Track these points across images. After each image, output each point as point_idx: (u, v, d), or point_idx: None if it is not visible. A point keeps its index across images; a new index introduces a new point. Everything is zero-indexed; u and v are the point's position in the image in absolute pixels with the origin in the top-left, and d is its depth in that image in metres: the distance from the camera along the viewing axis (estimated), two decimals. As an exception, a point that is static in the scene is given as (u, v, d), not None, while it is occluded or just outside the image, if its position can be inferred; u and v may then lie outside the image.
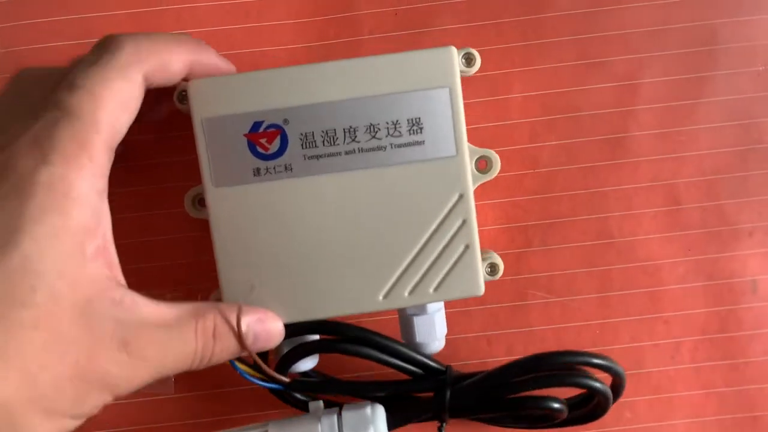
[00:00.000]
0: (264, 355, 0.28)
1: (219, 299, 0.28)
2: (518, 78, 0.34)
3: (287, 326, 0.28)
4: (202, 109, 0.27)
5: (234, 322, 0.26)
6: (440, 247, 0.27)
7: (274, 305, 0.27)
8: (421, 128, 0.27)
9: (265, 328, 0.27)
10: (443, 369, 0.29)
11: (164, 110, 0.32)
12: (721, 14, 0.34)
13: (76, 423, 0.23)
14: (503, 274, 0.30)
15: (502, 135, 0.34)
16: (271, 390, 0.30)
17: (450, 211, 0.27)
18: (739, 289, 0.34)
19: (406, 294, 0.27)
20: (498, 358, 0.34)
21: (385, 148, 0.27)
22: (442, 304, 0.29)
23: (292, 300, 0.27)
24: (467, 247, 0.27)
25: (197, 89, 0.27)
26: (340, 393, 0.30)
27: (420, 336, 0.29)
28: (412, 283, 0.27)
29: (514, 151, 0.34)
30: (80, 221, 0.22)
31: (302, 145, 0.27)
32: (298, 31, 0.34)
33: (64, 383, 0.22)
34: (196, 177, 0.28)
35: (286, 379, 0.29)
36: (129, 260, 0.26)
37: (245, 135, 0.27)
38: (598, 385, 0.28)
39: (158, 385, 0.32)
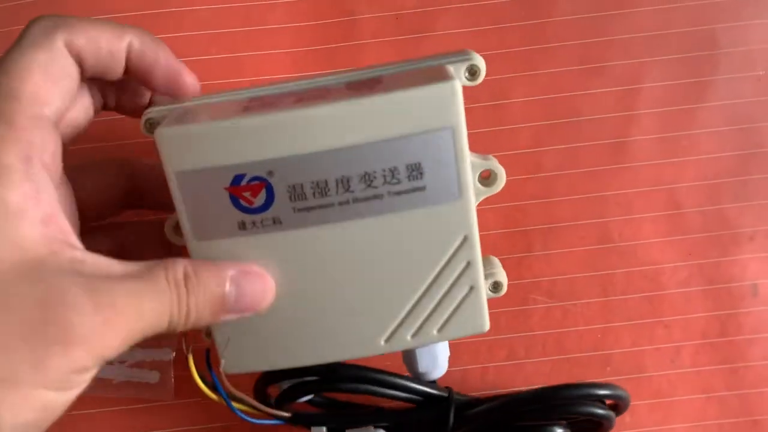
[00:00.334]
0: (263, 391, 0.27)
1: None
2: (520, 82, 0.34)
3: (285, 371, 0.27)
4: (174, 161, 0.23)
5: (208, 273, 0.23)
6: (444, 291, 0.25)
7: (273, 350, 0.25)
8: (421, 173, 0.23)
9: (250, 284, 0.24)
10: (445, 395, 0.29)
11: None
12: (721, 19, 0.34)
13: (60, 397, 0.21)
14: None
15: (503, 139, 0.34)
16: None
17: (454, 254, 0.24)
18: (740, 293, 0.33)
19: (409, 337, 0.25)
20: (499, 362, 0.33)
21: (383, 196, 0.24)
22: None
23: (290, 346, 0.25)
24: (472, 288, 0.25)
25: (167, 139, 0.23)
26: (342, 425, 0.29)
27: (422, 366, 0.28)
28: (415, 327, 0.25)
29: (515, 156, 0.34)
30: (11, 189, 0.21)
31: (290, 197, 0.23)
32: (300, 35, 0.34)
33: (16, 344, 0.20)
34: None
35: (286, 414, 0.28)
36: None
37: (226, 188, 0.23)
38: (602, 412, 0.28)
39: (158, 389, 0.32)
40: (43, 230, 0.21)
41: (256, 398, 0.28)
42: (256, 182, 0.23)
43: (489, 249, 0.33)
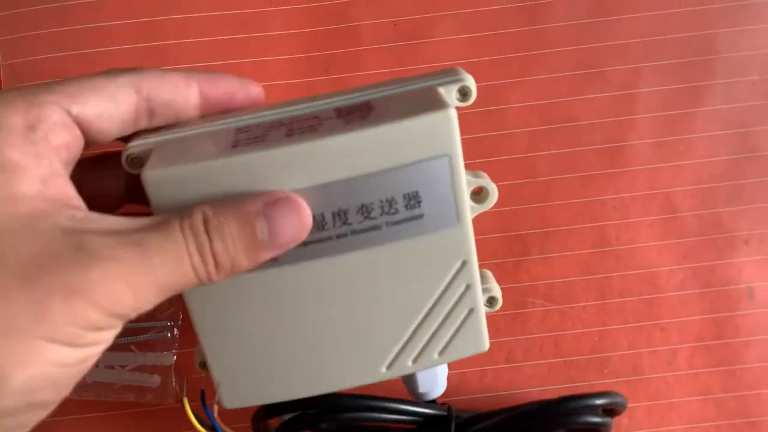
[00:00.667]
0: (263, 423, 0.27)
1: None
2: (516, 88, 0.34)
3: (285, 404, 0.26)
4: (164, 203, 0.22)
5: (231, 211, 0.21)
6: (443, 315, 0.24)
7: (273, 383, 0.25)
8: (419, 202, 0.23)
9: (282, 214, 0.22)
10: (445, 414, 0.29)
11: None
12: (717, 24, 0.34)
13: (72, 353, 0.20)
14: (502, 282, 0.30)
15: (500, 144, 0.34)
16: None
17: (453, 278, 0.24)
18: (736, 295, 0.33)
19: (410, 363, 0.25)
20: (498, 365, 0.33)
21: (380, 227, 0.23)
22: None
23: (290, 378, 0.25)
24: (471, 310, 0.24)
25: (155, 182, 0.22)
26: None
27: (423, 387, 0.28)
28: (416, 352, 0.25)
29: (512, 161, 0.34)
30: (11, 147, 0.20)
31: None
32: (299, 42, 0.34)
33: (15, 295, 0.19)
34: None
35: None
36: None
37: None
38: (600, 420, 0.28)
39: (159, 393, 0.32)
40: (42, 188, 0.20)
41: (256, 431, 0.28)
42: None
43: (486, 253, 0.34)
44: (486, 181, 0.25)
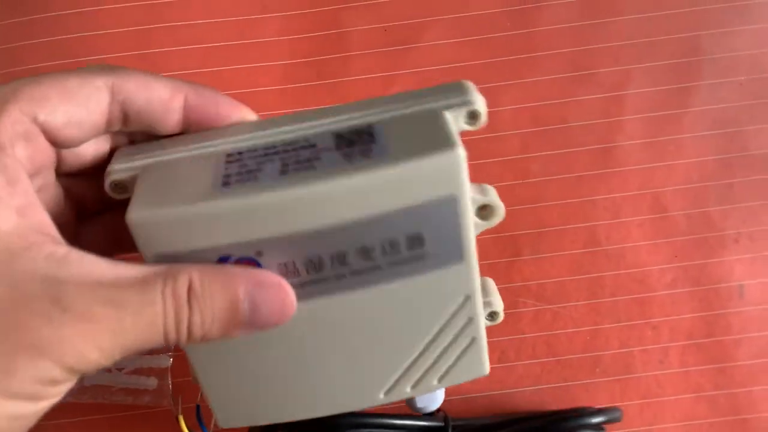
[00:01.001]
0: None
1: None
2: (508, 90, 0.34)
3: (286, 426, 0.26)
4: (152, 246, 0.21)
5: (218, 287, 0.20)
6: (443, 346, 0.23)
7: (270, 404, 0.24)
8: (422, 243, 0.21)
9: (267, 296, 0.21)
10: (441, 425, 0.29)
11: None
12: (704, 26, 0.34)
13: (30, 407, 0.19)
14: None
15: (492, 146, 0.34)
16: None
17: (455, 313, 0.23)
18: (726, 294, 0.34)
19: (409, 389, 0.24)
20: (491, 365, 0.33)
21: (381, 267, 0.22)
22: None
23: (288, 400, 0.24)
24: (473, 340, 0.23)
25: (141, 225, 0.20)
26: None
27: (421, 403, 0.28)
28: (415, 379, 0.24)
29: (504, 162, 0.34)
30: None
31: (282, 274, 0.21)
32: (292, 48, 0.34)
33: None
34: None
35: None
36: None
37: None
38: None
39: (156, 396, 0.32)
40: (19, 220, 0.19)
41: None
42: (244, 261, 0.21)
43: (479, 254, 0.33)
44: (492, 199, 0.23)
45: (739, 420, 0.33)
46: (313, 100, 0.34)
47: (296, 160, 0.21)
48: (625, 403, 0.33)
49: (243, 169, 0.21)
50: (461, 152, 0.20)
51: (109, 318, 0.19)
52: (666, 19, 0.34)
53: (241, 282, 0.20)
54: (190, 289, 0.20)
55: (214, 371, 0.23)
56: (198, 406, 0.27)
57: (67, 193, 0.23)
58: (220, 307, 0.20)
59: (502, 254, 0.34)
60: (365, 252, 0.21)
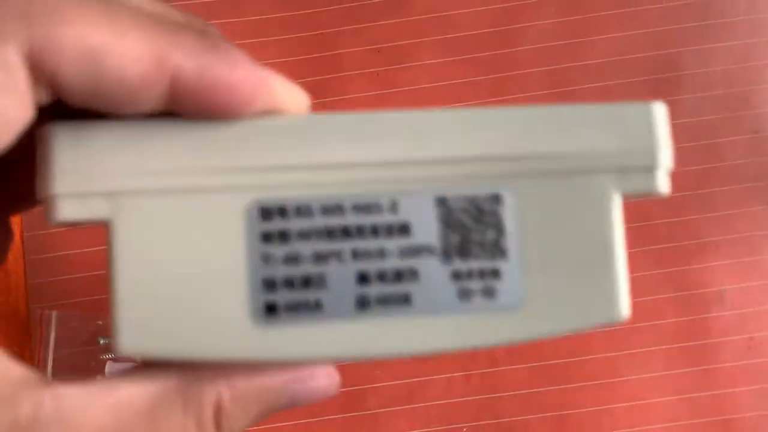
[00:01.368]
0: None
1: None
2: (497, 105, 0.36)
3: None
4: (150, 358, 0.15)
5: (253, 396, 0.15)
6: None
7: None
8: None
9: (308, 387, 0.15)
10: None
11: None
12: (682, 43, 0.36)
13: None
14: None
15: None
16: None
17: None
18: (707, 298, 0.35)
19: None
20: (482, 369, 0.35)
21: None
22: None
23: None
24: None
25: (137, 352, 0.14)
26: None
27: None
28: None
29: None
30: None
31: None
32: (290, 69, 0.36)
33: None
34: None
35: None
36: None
37: None
38: None
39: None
40: None
41: None
42: None
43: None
44: None
45: (721, 420, 0.34)
46: (309, 119, 0.35)
47: (380, 271, 0.14)
48: (612, 406, 0.34)
49: (295, 274, 0.14)
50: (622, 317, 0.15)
51: None
52: (643, 37, 0.36)
53: (283, 384, 0.15)
54: (218, 411, 0.14)
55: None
56: None
57: None
58: (255, 416, 0.15)
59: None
60: None
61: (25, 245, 0.34)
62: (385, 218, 0.14)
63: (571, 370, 0.35)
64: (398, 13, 0.36)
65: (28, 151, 0.14)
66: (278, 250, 0.14)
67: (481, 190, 0.14)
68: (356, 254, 0.14)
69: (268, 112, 0.14)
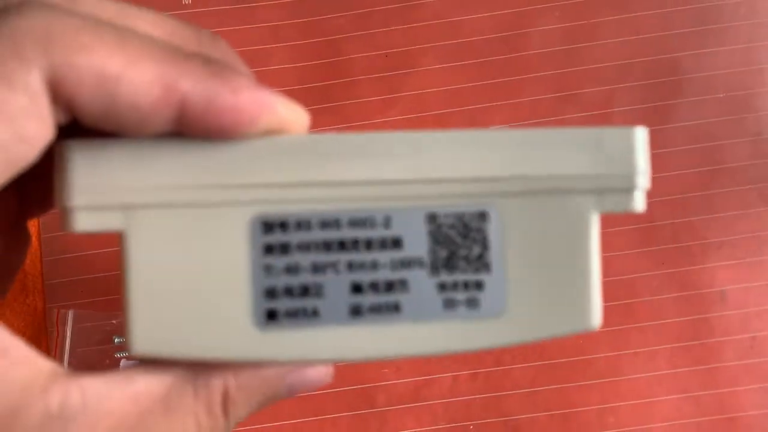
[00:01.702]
0: None
1: None
2: (500, 110, 0.36)
3: None
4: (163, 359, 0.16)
5: (256, 384, 0.16)
6: None
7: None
8: None
9: (309, 378, 0.17)
10: None
11: None
12: (683, 48, 0.36)
13: None
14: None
15: (486, 163, 0.36)
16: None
17: None
18: (710, 298, 0.35)
19: None
20: (488, 368, 0.35)
21: None
22: None
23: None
24: None
25: (149, 354, 0.15)
26: None
27: None
28: None
29: (497, 177, 0.36)
30: None
31: None
32: (299, 74, 0.37)
33: None
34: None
35: None
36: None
37: None
38: None
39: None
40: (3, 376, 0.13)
41: None
42: None
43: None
44: None
45: (726, 419, 0.34)
46: (319, 123, 0.36)
47: (373, 281, 0.15)
48: (617, 404, 0.35)
49: (295, 283, 0.15)
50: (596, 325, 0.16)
51: None
52: (647, 41, 0.36)
53: (281, 374, 0.17)
54: (225, 398, 0.16)
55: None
56: None
57: None
58: (258, 403, 0.17)
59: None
60: None
61: (42, 247, 0.35)
62: (379, 232, 0.15)
63: (576, 369, 0.35)
64: (406, 20, 0.37)
65: (44, 162, 0.15)
66: (279, 261, 0.15)
67: (468, 208, 0.16)
68: (351, 266, 0.15)
69: (271, 132, 0.15)
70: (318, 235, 0.15)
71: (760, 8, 0.36)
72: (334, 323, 0.15)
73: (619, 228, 0.35)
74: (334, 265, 0.15)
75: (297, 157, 0.15)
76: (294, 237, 0.15)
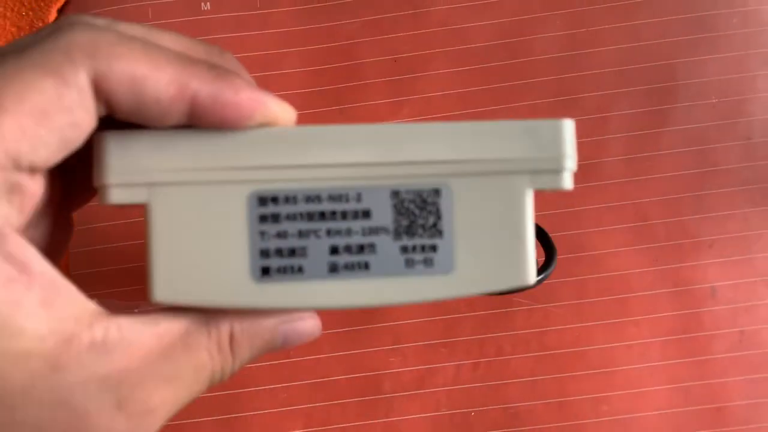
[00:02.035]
0: None
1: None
2: (504, 114, 0.38)
3: None
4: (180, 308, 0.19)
5: (260, 335, 0.20)
6: None
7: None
8: None
9: (300, 329, 0.20)
10: None
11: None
12: (679, 55, 0.38)
13: None
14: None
15: (489, 163, 0.38)
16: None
17: None
18: (700, 294, 0.37)
19: None
20: (489, 358, 0.37)
21: None
22: None
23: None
24: None
25: (169, 302, 0.19)
26: None
27: None
28: None
29: (500, 177, 0.38)
30: None
31: None
32: (310, 78, 0.38)
33: None
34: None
35: None
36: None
37: None
38: None
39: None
40: (46, 317, 0.16)
41: None
42: None
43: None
44: None
45: (714, 408, 0.36)
46: (331, 123, 0.38)
47: (347, 245, 0.19)
48: (610, 394, 0.36)
49: (284, 245, 0.19)
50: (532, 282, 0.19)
51: (169, 400, 0.18)
52: (644, 48, 0.38)
53: (282, 324, 0.20)
54: (232, 339, 0.19)
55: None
56: None
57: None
58: (258, 349, 0.20)
59: (498, 259, 0.37)
60: None
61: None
62: (352, 205, 0.19)
63: (573, 360, 0.37)
64: (414, 26, 0.38)
65: (83, 162, 0.19)
66: (271, 228, 0.19)
67: (425, 186, 0.19)
68: (329, 232, 0.19)
69: (264, 124, 0.19)
70: (303, 207, 0.19)
71: (752, 18, 0.38)
72: (315, 278, 0.19)
73: (615, 227, 0.37)
74: (315, 232, 0.19)
75: (285, 144, 0.19)
76: (283, 209, 0.19)
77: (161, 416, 0.18)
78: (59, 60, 0.16)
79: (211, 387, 0.20)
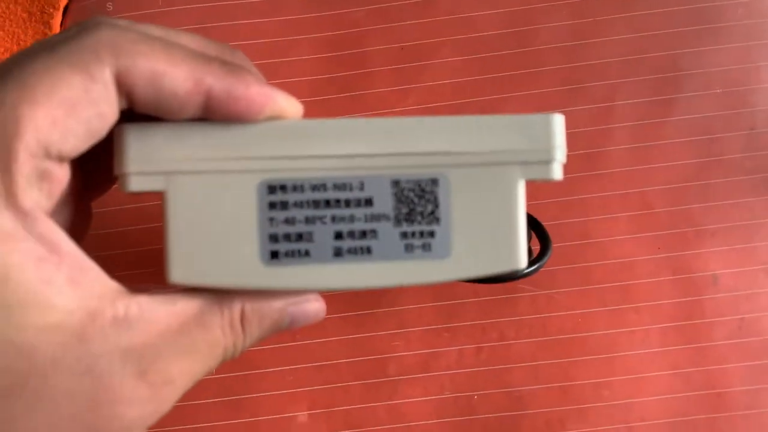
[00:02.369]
0: None
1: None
2: (509, 102, 0.38)
3: None
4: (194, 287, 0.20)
5: (269, 315, 0.21)
6: None
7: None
8: None
9: (306, 310, 0.21)
10: None
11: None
12: (684, 45, 0.38)
13: None
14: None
15: (494, 151, 0.38)
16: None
17: None
18: (702, 282, 0.37)
19: None
20: (492, 342, 0.37)
21: None
22: None
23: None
24: None
25: (183, 283, 0.20)
26: None
27: None
28: None
29: (505, 165, 0.38)
30: (18, 257, 0.16)
31: None
32: (318, 66, 0.39)
33: None
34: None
35: None
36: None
37: None
38: None
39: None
40: (74, 294, 0.17)
41: None
42: None
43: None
44: None
45: (713, 394, 0.37)
46: (337, 112, 0.38)
47: (350, 231, 0.20)
48: (611, 379, 0.37)
49: (292, 231, 0.20)
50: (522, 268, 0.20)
51: (186, 373, 0.19)
52: (649, 39, 0.38)
53: (290, 306, 0.21)
54: (243, 317, 0.20)
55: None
56: None
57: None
58: (267, 328, 0.21)
59: (502, 246, 0.38)
60: None
61: (80, 222, 0.37)
62: (355, 194, 0.20)
63: (575, 345, 0.37)
64: (422, 14, 0.39)
65: (106, 147, 0.20)
66: (280, 215, 0.20)
67: (424, 175, 0.20)
68: (334, 219, 0.20)
69: (273, 117, 0.20)
70: (309, 195, 0.20)
71: (756, 10, 0.38)
72: (321, 261, 0.20)
73: (619, 214, 0.38)
74: (321, 218, 0.20)
75: (293, 136, 0.20)
76: (291, 197, 0.20)
77: (180, 386, 0.19)
78: (87, 57, 0.17)
79: (224, 362, 0.21)
